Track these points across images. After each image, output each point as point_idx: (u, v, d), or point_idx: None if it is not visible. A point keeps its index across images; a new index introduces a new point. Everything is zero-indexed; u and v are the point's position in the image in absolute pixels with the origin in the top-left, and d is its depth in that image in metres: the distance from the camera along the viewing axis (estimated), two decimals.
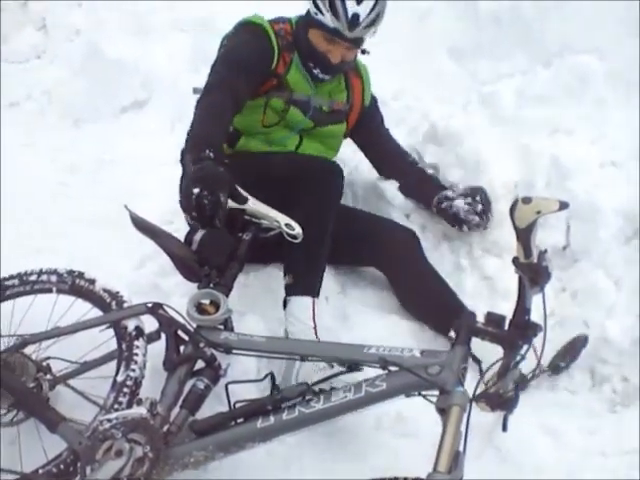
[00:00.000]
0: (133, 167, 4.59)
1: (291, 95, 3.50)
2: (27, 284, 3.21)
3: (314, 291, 3.25)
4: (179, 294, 3.43)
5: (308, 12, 3.46)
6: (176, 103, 3.51)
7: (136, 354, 2.87)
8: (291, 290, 3.27)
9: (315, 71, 3.50)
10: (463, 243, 3.76)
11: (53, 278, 3.18)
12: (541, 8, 4.52)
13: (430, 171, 3.89)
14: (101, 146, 4.95)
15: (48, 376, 2.96)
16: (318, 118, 3.62)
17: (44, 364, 3.00)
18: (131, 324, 2.94)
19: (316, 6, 3.38)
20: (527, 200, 2.40)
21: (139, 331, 2.93)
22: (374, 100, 3.88)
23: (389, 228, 3.70)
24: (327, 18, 3.35)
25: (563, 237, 3.56)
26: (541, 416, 3.05)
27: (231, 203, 3.12)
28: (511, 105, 4.27)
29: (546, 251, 2.48)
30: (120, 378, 2.82)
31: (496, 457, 2.75)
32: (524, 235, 2.42)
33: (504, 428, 2.53)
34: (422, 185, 3.84)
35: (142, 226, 3.26)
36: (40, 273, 3.21)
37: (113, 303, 3.03)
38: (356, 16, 3.32)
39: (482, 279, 3.64)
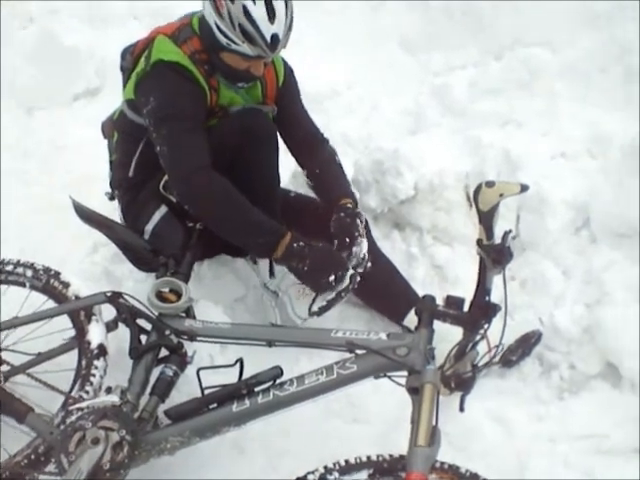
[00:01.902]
0: (86, 154, 4.55)
1: (226, 112, 3.27)
2: (2, 273, 3.13)
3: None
4: (132, 280, 3.46)
5: (212, 35, 3.10)
6: None
7: (93, 375, 2.82)
8: None
9: (239, 84, 3.26)
10: (414, 231, 3.79)
11: (29, 272, 3.11)
12: (492, 1, 4.57)
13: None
14: (54, 133, 4.91)
15: (3, 367, 2.91)
16: None
17: None
18: (95, 340, 2.88)
19: (225, 36, 3.06)
20: (490, 184, 2.50)
21: (101, 350, 2.87)
22: (288, 73, 3.48)
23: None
24: (244, 48, 3.06)
25: (513, 227, 3.58)
26: (490, 402, 3.08)
27: None
28: (463, 97, 4.33)
29: (510, 231, 2.57)
30: (69, 403, 2.75)
31: (444, 442, 2.77)
32: (487, 217, 2.52)
33: (461, 409, 2.59)
34: (330, 187, 3.45)
35: (87, 216, 3.26)
36: (17, 265, 3.14)
37: (82, 313, 2.96)
38: (275, 37, 3.04)
39: (432, 268, 3.68)
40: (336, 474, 2.37)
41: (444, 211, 3.73)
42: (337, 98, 4.45)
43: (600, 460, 2.93)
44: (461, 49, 4.65)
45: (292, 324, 3.22)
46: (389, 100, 4.57)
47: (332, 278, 2.95)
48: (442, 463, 2.40)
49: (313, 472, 2.38)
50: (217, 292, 3.47)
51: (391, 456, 2.40)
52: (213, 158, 3.06)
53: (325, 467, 2.39)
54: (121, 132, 3.46)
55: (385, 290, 3.46)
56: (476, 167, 3.79)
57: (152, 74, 3.16)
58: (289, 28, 3.10)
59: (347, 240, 3.17)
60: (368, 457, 2.42)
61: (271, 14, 3.03)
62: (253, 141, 3.19)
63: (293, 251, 2.97)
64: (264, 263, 3.34)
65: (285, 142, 3.49)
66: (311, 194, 3.62)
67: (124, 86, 3.41)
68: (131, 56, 3.37)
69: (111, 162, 3.60)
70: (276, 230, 3.02)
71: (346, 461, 2.41)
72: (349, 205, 3.31)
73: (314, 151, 3.50)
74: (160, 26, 3.32)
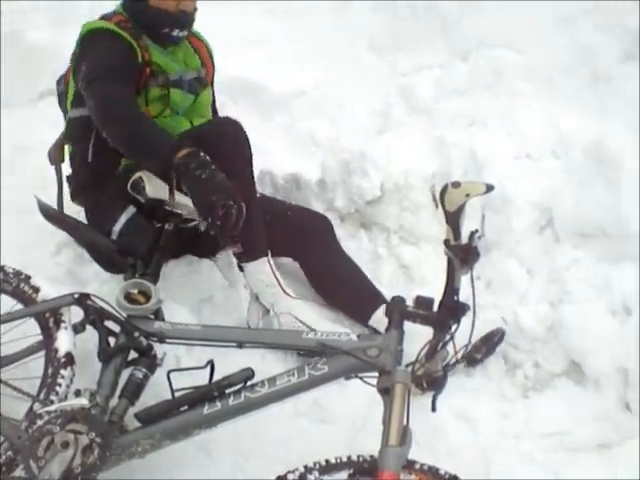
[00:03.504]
0: None
1: (167, 78, 3.40)
2: None
3: (264, 250, 3.32)
4: (97, 281, 3.42)
5: None
6: None
7: (59, 384, 2.76)
8: (243, 257, 3.35)
9: (173, 33, 3.42)
10: (380, 232, 3.81)
11: None
12: (459, 2, 4.60)
13: None
14: (18, 132, 4.88)
15: None
16: (194, 89, 3.55)
17: None
18: (63, 348, 2.82)
19: None
20: (456, 184, 2.53)
21: (69, 359, 2.81)
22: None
23: (301, 215, 3.70)
24: None
25: (478, 227, 3.60)
26: (455, 401, 3.09)
27: (152, 194, 3.11)
28: (429, 97, 4.34)
29: (477, 231, 2.58)
30: (37, 407, 2.70)
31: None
32: (454, 218, 2.54)
33: (433, 408, 2.59)
34: None
35: (52, 217, 3.23)
36: None
37: (51, 320, 2.91)
38: None
39: (399, 267, 3.71)
40: (316, 474, 2.37)
41: (410, 211, 3.75)
42: (304, 98, 4.46)
43: (564, 457, 2.96)
44: (428, 50, 4.69)
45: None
46: (356, 100, 4.59)
47: (222, 202, 2.70)
48: (422, 464, 2.41)
49: (293, 471, 2.37)
50: (183, 293, 3.44)
51: (372, 457, 2.39)
52: None
53: (305, 467, 2.38)
54: (74, 138, 3.50)
55: (350, 291, 3.51)
56: (442, 167, 3.81)
57: (82, 46, 3.34)
58: None
59: None
60: (349, 457, 2.42)
61: None
62: (226, 153, 3.13)
63: (198, 156, 2.80)
64: (256, 272, 3.36)
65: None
66: (278, 196, 3.78)
67: (64, 107, 3.57)
68: (64, 79, 3.56)
69: (67, 177, 3.61)
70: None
71: (327, 461, 2.40)
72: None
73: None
74: None
